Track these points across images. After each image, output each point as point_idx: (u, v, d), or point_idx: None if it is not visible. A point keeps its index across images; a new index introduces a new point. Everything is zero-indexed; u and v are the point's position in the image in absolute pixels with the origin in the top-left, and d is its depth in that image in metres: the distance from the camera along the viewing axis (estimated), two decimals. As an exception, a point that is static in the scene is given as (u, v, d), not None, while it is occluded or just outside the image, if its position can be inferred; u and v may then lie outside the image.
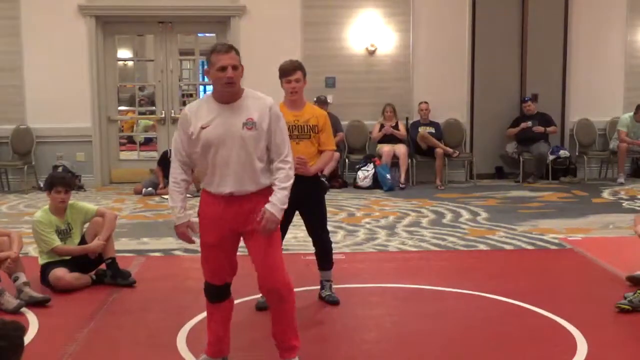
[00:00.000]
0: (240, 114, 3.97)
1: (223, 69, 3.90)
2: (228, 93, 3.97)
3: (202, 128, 3.93)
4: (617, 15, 12.28)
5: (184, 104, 14.44)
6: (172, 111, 12.14)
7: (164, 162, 10.96)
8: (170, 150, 10.98)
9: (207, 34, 13.33)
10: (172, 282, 6.26)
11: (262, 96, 4.08)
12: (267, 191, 4.00)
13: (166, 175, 10.74)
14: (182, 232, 4.08)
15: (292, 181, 4.02)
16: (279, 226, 4.08)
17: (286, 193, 3.97)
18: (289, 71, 5.31)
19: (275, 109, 4.05)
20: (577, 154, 12.24)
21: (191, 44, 13.33)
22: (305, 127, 5.34)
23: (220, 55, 3.92)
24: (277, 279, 4.07)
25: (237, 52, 4.01)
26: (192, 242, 4.15)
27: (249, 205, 4.00)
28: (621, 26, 12.24)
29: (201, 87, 17.52)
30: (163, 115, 12.19)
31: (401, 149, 11.51)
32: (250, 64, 11.44)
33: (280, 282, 4.08)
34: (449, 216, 9.05)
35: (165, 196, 10.26)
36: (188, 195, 4.16)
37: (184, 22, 12.10)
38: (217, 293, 4.25)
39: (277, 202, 3.94)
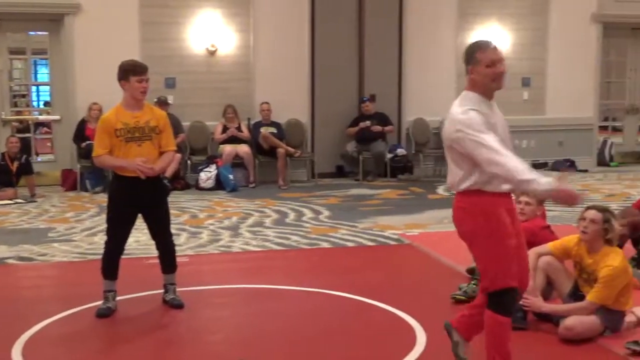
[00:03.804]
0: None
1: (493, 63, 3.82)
2: (497, 89, 3.89)
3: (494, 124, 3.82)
4: (448, 20, 12.85)
5: (15, 105, 13.81)
6: (2, 113, 11.55)
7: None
8: (4, 153, 10.49)
9: (39, 32, 12.77)
10: (5, 292, 5.95)
11: None
12: None
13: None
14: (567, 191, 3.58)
15: None
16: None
17: None
18: (142, 71, 5.21)
19: None
20: (413, 152, 12.68)
21: (23, 43, 12.73)
22: (146, 128, 5.24)
23: (487, 52, 3.85)
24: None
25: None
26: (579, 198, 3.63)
27: None
28: (452, 30, 12.82)
29: (33, 88, 16.81)
30: (-8, 117, 11.57)
31: (244, 149, 11.52)
32: (86, 64, 11.28)
33: None
34: (292, 215, 9.14)
35: (1, 202, 9.77)
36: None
37: (13, 20, 11.52)
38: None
39: None
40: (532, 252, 5.10)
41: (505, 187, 3.81)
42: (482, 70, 3.84)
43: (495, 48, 3.90)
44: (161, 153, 5.34)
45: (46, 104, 16.22)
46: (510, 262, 3.84)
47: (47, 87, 13.54)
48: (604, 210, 4.84)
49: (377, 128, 12.18)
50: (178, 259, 5.62)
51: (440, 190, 11.10)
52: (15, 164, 10.45)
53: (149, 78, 5.26)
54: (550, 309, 4.92)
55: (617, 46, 15.18)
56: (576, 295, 4.93)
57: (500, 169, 3.66)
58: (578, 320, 4.69)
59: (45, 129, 13.78)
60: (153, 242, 5.52)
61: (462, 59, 3.96)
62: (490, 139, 3.70)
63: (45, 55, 12.51)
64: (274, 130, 11.81)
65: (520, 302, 4.88)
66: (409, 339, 4.77)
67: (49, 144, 13.22)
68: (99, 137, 5.26)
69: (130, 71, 5.19)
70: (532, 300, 4.86)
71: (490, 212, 3.83)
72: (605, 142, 14.21)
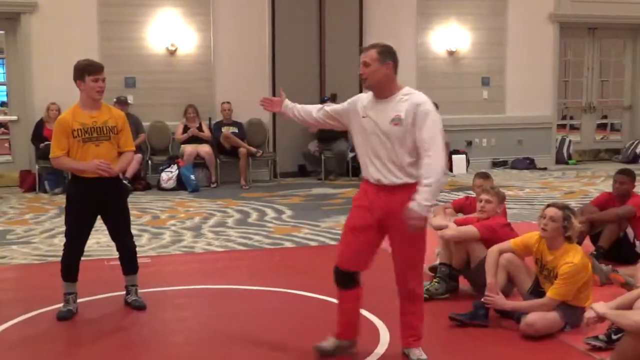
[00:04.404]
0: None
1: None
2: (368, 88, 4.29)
3: (363, 117, 4.37)
4: (408, 19, 12.92)
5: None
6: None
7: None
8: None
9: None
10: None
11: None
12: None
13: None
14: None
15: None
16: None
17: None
18: (97, 70, 5.15)
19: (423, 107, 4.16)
20: (374, 151, 12.69)
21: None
22: (105, 128, 5.18)
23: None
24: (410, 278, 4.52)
25: (379, 51, 4.37)
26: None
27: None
28: (411, 30, 12.88)
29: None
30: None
31: (206, 149, 11.46)
32: (43, 64, 11.13)
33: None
34: (254, 215, 9.12)
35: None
36: None
37: (-32, 19, 11.35)
38: (349, 279, 4.57)
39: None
40: (493, 249, 5.16)
41: (365, 173, 4.46)
42: None
43: (362, 51, 4.41)
44: (120, 153, 5.29)
45: (3, 104, 15.97)
46: (342, 245, 4.54)
47: (4, 87, 13.32)
48: (563, 207, 4.90)
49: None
50: (140, 260, 5.58)
51: (402, 189, 11.12)
52: (-28, 165, 10.29)
53: (105, 77, 5.19)
54: (511, 305, 4.97)
55: (574, 46, 15.43)
56: (537, 291, 4.99)
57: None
58: (539, 317, 4.75)
59: (2, 129, 13.59)
60: (114, 243, 5.47)
61: None
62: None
63: (2, 54, 12.32)
64: (235, 130, 11.78)
65: (482, 300, 4.94)
66: (373, 337, 4.79)
67: (6, 145, 13.02)
68: (56, 138, 5.18)
69: (85, 71, 5.13)
70: (494, 297, 4.91)
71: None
72: (563, 140, 14.41)
